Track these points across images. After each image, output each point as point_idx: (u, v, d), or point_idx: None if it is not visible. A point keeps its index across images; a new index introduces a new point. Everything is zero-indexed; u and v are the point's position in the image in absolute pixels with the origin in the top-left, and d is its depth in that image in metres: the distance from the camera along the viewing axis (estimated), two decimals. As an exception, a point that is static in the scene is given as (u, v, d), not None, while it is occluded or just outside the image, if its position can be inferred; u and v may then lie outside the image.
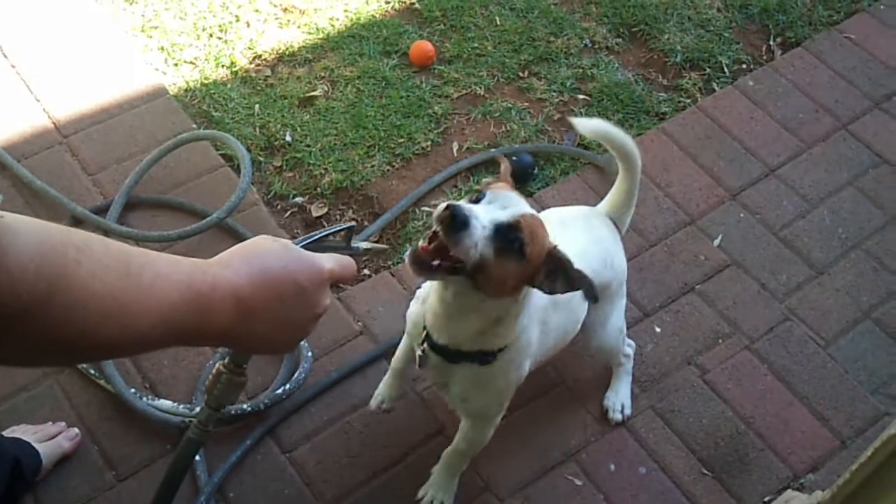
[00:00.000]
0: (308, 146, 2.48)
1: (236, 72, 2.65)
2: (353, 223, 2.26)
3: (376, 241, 2.28)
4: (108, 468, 1.87)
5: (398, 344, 1.86)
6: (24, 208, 2.26)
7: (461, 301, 1.36)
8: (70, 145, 2.43)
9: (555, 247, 1.32)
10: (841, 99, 2.70)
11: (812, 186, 2.49)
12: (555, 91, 2.68)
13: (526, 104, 2.65)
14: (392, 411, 1.91)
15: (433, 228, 1.23)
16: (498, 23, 2.86)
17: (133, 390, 1.94)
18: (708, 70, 2.77)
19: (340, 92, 2.62)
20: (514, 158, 2.45)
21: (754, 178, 2.50)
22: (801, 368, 2.13)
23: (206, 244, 2.19)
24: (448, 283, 1.35)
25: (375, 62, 2.70)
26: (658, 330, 2.17)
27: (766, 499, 1.93)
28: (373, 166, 2.45)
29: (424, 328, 1.50)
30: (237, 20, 2.78)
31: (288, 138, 2.50)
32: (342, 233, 1.35)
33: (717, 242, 2.35)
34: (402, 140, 2.51)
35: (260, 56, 2.70)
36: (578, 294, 1.34)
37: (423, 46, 2.70)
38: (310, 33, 2.78)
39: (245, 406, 1.91)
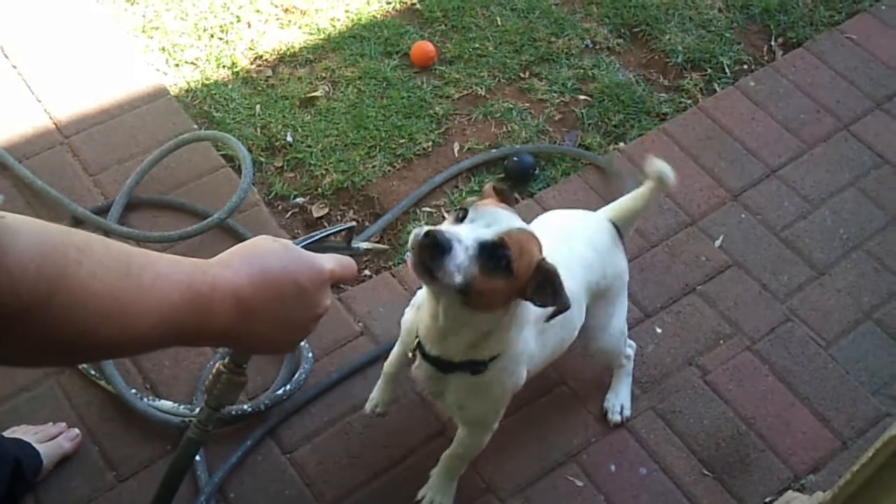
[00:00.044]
0: (309, 147, 2.48)
1: (237, 72, 2.65)
2: (354, 223, 2.26)
3: (377, 242, 2.28)
4: (109, 468, 1.87)
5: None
6: (25, 208, 2.26)
7: (452, 315, 1.36)
8: (71, 146, 2.43)
9: (543, 259, 1.31)
10: (842, 99, 2.70)
11: (813, 187, 2.49)
12: (556, 91, 2.68)
13: (527, 105, 2.65)
14: (386, 415, 1.91)
15: (414, 252, 1.22)
16: (499, 23, 2.86)
17: (133, 391, 1.94)
18: (709, 70, 2.77)
19: (341, 92, 2.62)
20: (515, 159, 2.45)
21: (755, 178, 2.50)
22: (803, 369, 2.13)
23: (207, 245, 2.19)
24: (440, 297, 1.35)
25: (376, 63, 2.70)
26: (659, 331, 2.17)
27: (767, 499, 1.93)
28: (374, 167, 2.45)
29: (417, 338, 1.50)
30: (238, 21, 2.78)
31: (289, 139, 2.50)
32: (343, 233, 1.35)
33: (718, 243, 2.35)
34: (403, 140, 2.51)
35: (261, 56, 2.71)
36: (577, 297, 1.34)
37: (424, 47, 2.70)
38: (311, 34, 2.78)
39: (246, 406, 1.91)
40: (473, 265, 1.23)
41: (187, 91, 2.60)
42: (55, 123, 2.47)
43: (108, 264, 0.69)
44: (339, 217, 2.35)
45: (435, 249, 1.20)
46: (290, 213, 2.36)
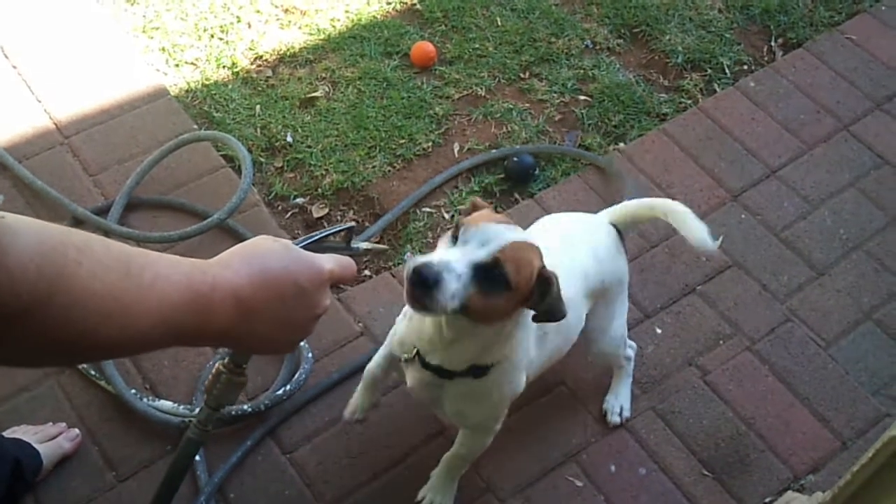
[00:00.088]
0: (309, 147, 2.48)
1: (237, 72, 2.65)
2: (354, 224, 2.27)
3: (377, 242, 2.28)
4: (109, 469, 1.87)
5: None
6: (25, 209, 2.26)
7: (456, 327, 1.36)
8: (71, 146, 2.43)
9: (543, 267, 1.31)
10: (842, 100, 2.70)
11: (813, 187, 2.49)
12: (556, 92, 2.68)
13: (527, 105, 2.65)
14: (365, 422, 1.85)
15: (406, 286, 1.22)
16: (499, 24, 2.86)
17: (133, 391, 1.94)
18: (709, 71, 2.77)
19: (341, 93, 2.62)
20: (515, 159, 2.45)
21: (755, 179, 2.50)
22: (802, 369, 2.13)
23: (207, 245, 2.19)
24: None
25: (376, 63, 2.70)
26: (659, 331, 2.17)
27: (767, 500, 1.93)
28: (374, 167, 2.45)
29: (415, 348, 1.48)
30: (238, 21, 2.79)
31: (289, 139, 2.50)
32: (342, 233, 1.35)
33: (718, 243, 2.34)
34: (403, 141, 2.51)
35: (261, 57, 2.71)
36: (576, 305, 1.34)
37: (424, 47, 2.70)
38: (311, 34, 2.78)
39: (245, 407, 1.91)
40: (469, 288, 1.23)
41: (187, 91, 2.60)
42: (55, 123, 2.47)
43: (108, 264, 0.69)
44: (339, 217, 2.36)
45: (424, 284, 1.20)
46: (290, 214, 2.36)
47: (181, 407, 1.92)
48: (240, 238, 2.20)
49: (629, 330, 1.97)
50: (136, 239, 2.15)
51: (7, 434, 1.80)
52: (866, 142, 2.60)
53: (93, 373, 1.97)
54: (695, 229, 1.71)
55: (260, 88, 2.62)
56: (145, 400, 1.93)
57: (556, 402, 2.04)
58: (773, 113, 2.65)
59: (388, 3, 2.90)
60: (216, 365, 1.07)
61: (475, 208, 1.39)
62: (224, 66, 2.66)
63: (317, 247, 1.09)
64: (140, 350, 0.76)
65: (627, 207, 1.85)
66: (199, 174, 2.39)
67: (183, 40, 2.72)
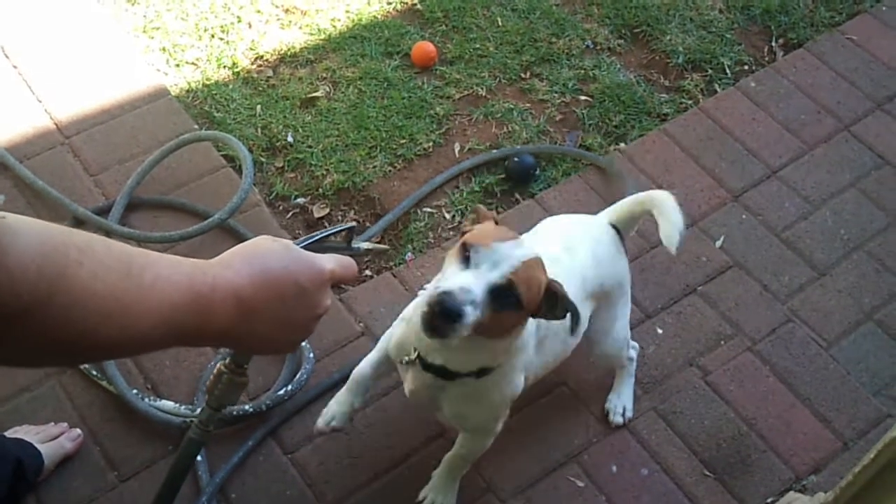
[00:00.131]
0: (310, 147, 2.48)
1: (238, 72, 2.65)
2: (354, 224, 2.27)
3: (378, 242, 2.28)
4: (110, 469, 1.87)
5: None
6: (26, 209, 2.26)
7: (464, 339, 1.35)
8: (72, 146, 2.43)
9: (550, 281, 1.34)
10: (843, 100, 2.70)
11: (814, 188, 2.49)
12: (556, 92, 2.68)
13: (528, 105, 2.65)
14: (342, 430, 1.79)
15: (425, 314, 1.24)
16: (500, 24, 2.86)
17: (135, 391, 1.94)
18: (710, 71, 2.77)
19: (342, 93, 2.62)
20: (515, 159, 2.45)
21: (756, 179, 2.49)
22: (803, 370, 2.13)
23: (208, 245, 2.19)
24: None
25: (377, 63, 2.70)
26: (660, 331, 2.17)
27: (769, 500, 1.93)
28: (374, 167, 2.45)
29: (415, 350, 1.48)
30: (239, 21, 2.79)
31: (290, 139, 2.50)
32: (343, 233, 1.35)
33: (718, 244, 2.34)
34: (403, 141, 2.51)
35: (262, 57, 2.71)
36: (578, 308, 1.37)
37: (424, 47, 2.70)
38: (311, 34, 2.78)
39: (247, 407, 1.91)
40: (483, 309, 1.24)
41: (188, 91, 2.60)
42: (56, 124, 2.47)
43: (108, 265, 0.69)
44: (339, 217, 2.36)
45: (447, 317, 1.21)
46: (290, 214, 2.36)
47: (183, 407, 1.92)
48: (241, 238, 2.20)
49: (630, 330, 1.97)
50: (137, 239, 2.15)
51: (9, 434, 1.80)
52: (867, 142, 2.60)
53: (94, 373, 1.97)
54: (671, 222, 1.68)
55: (260, 88, 2.62)
56: (147, 400, 1.93)
57: (557, 402, 2.03)
58: (773, 113, 2.65)
59: (389, 3, 2.90)
60: (217, 365, 1.07)
61: (479, 217, 1.40)
62: (225, 66, 2.66)
63: (318, 247, 1.09)
64: (141, 350, 0.76)
65: (623, 206, 1.85)
66: (199, 174, 2.39)
67: (183, 40, 2.72)
